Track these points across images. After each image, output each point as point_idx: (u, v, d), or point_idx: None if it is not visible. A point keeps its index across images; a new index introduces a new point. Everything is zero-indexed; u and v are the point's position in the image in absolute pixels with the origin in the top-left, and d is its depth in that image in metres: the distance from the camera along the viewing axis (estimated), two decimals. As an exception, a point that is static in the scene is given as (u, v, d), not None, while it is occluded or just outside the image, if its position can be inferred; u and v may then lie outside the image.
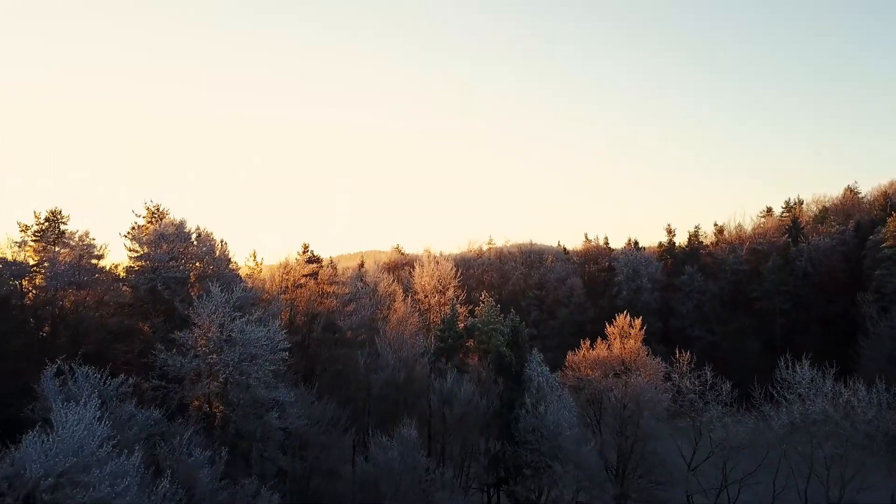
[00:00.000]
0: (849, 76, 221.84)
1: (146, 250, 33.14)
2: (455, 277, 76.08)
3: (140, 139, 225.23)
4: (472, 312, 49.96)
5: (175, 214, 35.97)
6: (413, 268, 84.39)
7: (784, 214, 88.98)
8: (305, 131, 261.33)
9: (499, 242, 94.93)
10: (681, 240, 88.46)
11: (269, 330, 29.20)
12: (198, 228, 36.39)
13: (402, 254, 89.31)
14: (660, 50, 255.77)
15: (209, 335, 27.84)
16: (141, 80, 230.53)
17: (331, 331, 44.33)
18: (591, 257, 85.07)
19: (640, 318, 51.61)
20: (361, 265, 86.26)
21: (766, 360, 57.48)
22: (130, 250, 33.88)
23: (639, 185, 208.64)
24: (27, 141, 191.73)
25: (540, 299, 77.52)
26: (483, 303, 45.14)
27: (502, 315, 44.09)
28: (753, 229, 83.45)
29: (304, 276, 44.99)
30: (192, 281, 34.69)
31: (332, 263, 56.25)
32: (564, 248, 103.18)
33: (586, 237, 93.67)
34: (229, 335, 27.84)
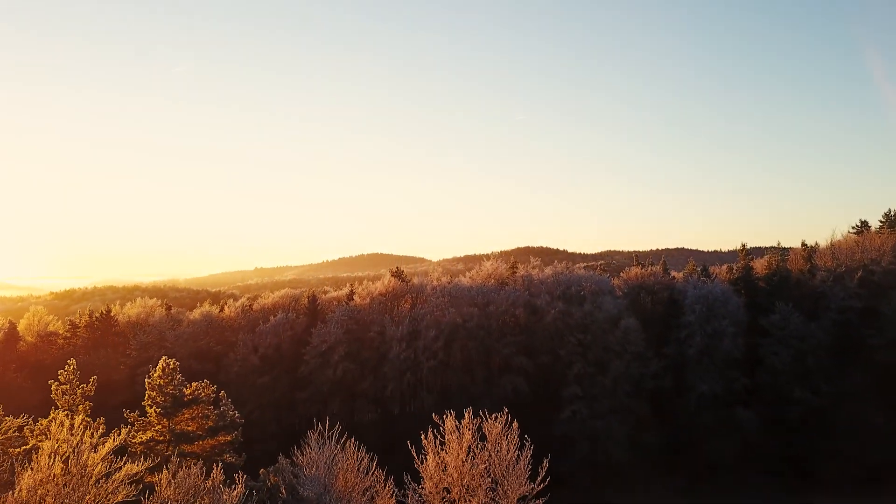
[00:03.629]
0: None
1: None
2: (474, 318, 57.57)
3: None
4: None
5: None
6: (415, 300, 66.01)
7: (882, 229, 69.40)
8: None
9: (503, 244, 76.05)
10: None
11: None
12: None
13: (403, 280, 70.57)
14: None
15: None
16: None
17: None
18: (647, 287, 65.76)
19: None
20: (350, 296, 67.60)
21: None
22: None
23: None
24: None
25: (584, 346, 58.46)
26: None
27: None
28: (861, 250, 63.62)
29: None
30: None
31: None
32: (600, 266, 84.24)
33: (636, 259, 74.36)
34: None
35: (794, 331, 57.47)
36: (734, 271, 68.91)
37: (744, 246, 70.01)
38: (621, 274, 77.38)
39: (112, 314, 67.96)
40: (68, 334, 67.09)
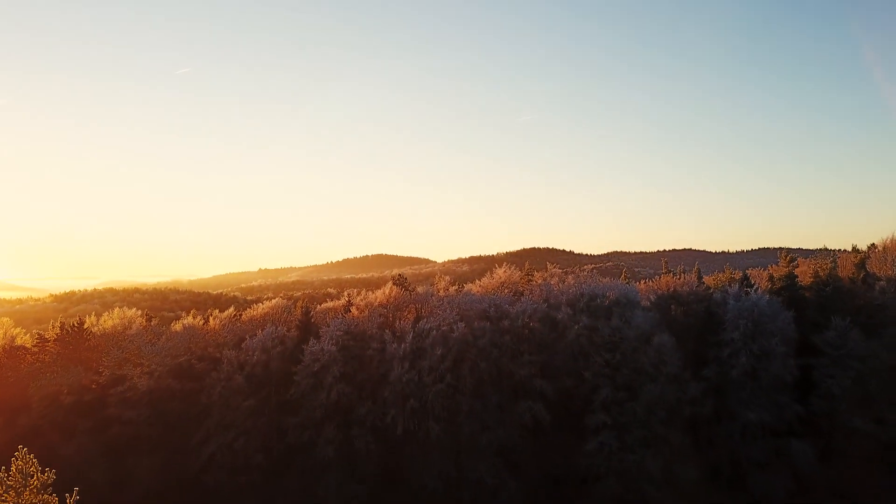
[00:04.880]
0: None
1: None
2: (486, 334, 50.70)
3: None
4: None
5: None
6: (419, 311, 59.03)
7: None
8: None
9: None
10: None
11: None
12: None
13: (405, 288, 63.69)
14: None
15: None
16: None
17: None
18: (680, 298, 58.48)
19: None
20: (348, 307, 60.75)
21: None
22: None
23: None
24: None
25: (612, 367, 51.36)
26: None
27: None
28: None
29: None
30: None
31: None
32: (620, 272, 77.17)
33: (665, 266, 67.05)
34: None
35: (852, 350, 50.33)
36: (775, 280, 61.54)
37: (785, 253, 62.64)
38: (648, 282, 70.46)
39: (85, 326, 61.35)
40: (36, 349, 60.54)
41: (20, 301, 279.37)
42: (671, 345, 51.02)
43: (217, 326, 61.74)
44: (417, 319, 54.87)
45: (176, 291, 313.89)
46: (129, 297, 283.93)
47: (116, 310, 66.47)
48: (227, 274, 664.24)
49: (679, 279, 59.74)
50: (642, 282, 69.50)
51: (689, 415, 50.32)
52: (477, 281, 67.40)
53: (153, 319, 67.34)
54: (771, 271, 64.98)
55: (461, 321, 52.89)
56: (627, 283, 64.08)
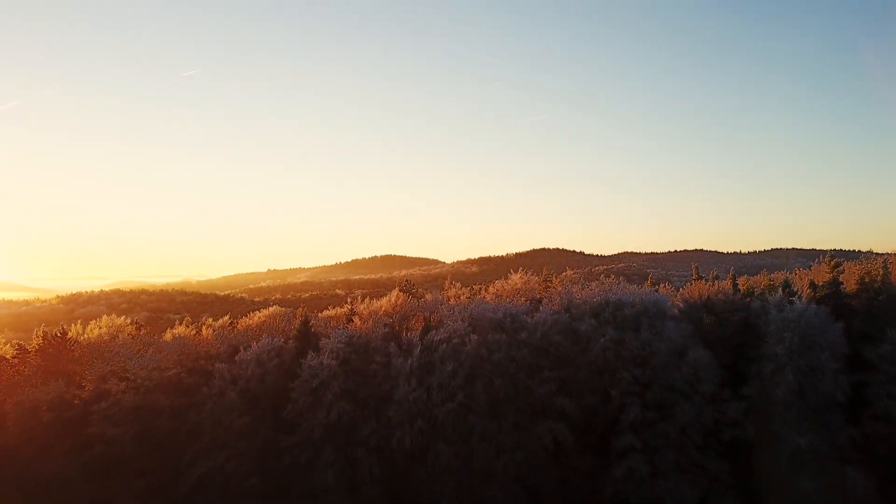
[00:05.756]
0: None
1: None
2: (501, 348, 45.91)
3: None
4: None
5: None
6: (428, 321, 54.27)
7: None
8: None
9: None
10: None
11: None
12: None
13: (413, 295, 59.03)
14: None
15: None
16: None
17: None
18: (714, 307, 53.18)
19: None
20: (350, 316, 56.15)
21: None
22: None
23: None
24: None
25: (642, 384, 46.35)
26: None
27: None
28: None
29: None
30: None
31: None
32: (634, 274, 71.89)
33: (696, 271, 61.75)
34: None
35: (912, 367, 44.91)
36: (817, 287, 56.14)
37: (830, 259, 57.21)
38: (665, 284, 65.42)
39: (70, 336, 57.11)
40: (16, 360, 56.34)
41: (27, 302, 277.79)
42: (708, 360, 45.94)
43: (210, 336, 57.27)
44: (426, 330, 50.10)
45: (183, 293, 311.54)
46: (136, 298, 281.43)
47: (105, 317, 62.22)
48: (236, 274, 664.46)
49: (714, 287, 54.42)
50: (660, 285, 64.41)
51: (729, 439, 45.14)
52: (490, 287, 62.60)
53: (143, 329, 62.95)
54: (812, 277, 59.58)
55: (474, 333, 48.10)
56: (654, 289, 58.93)
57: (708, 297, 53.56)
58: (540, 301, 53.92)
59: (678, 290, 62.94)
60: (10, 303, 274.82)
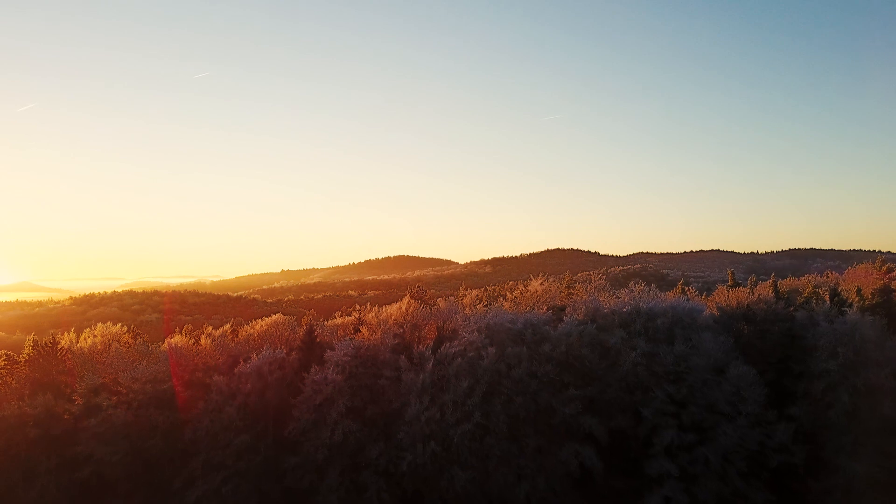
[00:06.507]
0: None
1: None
2: (522, 362, 41.74)
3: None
4: None
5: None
6: (441, 331, 50.26)
7: None
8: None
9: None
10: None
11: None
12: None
13: (425, 302, 55.06)
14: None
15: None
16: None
17: None
18: (753, 317, 48.50)
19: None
20: (357, 325, 52.27)
21: None
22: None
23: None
24: None
25: (677, 403, 41.89)
26: None
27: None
28: None
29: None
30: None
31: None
32: (649, 275, 67.25)
33: (731, 276, 57.05)
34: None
35: (984, 386, 40.00)
36: (864, 295, 51.25)
37: (882, 261, 52.29)
38: (690, 288, 60.65)
39: (60, 346, 53.85)
40: (4, 371, 53.16)
41: (40, 304, 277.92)
42: (752, 377, 41.35)
43: (209, 346, 53.69)
44: (439, 341, 46.11)
45: (196, 294, 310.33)
46: (148, 299, 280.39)
47: (99, 325, 58.91)
48: (250, 275, 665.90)
49: (753, 295, 49.73)
50: (686, 289, 59.80)
51: (772, 466, 40.54)
52: (507, 291, 58.43)
53: (140, 337, 59.53)
54: (855, 281, 54.67)
55: (491, 345, 43.98)
56: (685, 295, 54.32)
57: (747, 304, 48.92)
58: (563, 309, 49.65)
59: (701, 294, 58.49)
60: (24, 304, 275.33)
